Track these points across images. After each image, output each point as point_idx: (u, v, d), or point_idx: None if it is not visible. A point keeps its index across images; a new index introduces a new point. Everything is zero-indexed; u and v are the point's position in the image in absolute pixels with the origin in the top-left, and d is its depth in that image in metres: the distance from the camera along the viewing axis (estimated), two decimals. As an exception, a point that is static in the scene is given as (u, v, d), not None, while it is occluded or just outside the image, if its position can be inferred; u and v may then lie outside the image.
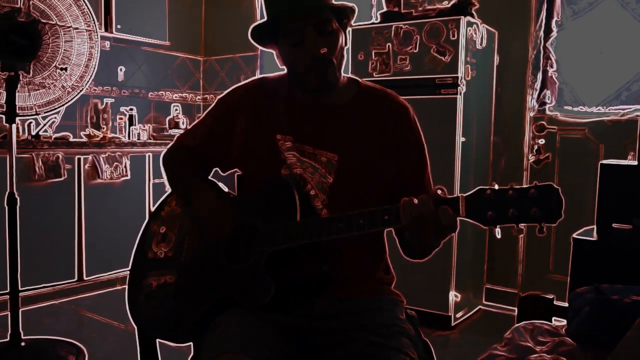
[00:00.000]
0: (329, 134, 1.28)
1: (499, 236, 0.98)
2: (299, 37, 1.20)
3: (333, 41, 1.21)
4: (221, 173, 1.42)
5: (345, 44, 1.26)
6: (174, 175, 1.42)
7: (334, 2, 1.23)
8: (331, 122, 1.29)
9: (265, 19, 1.25)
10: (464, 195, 0.96)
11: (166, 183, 1.44)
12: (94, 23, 2.56)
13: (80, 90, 2.58)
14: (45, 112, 2.54)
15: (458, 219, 0.98)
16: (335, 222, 1.09)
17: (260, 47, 1.33)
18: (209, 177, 1.44)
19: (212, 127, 1.38)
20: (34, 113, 2.52)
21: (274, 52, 1.30)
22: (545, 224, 0.91)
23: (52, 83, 2.51)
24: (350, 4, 1.25)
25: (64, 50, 2.52)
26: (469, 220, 0.96)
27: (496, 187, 0.94)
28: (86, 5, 2.54)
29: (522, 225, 0.93)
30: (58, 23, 2.46)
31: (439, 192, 1.00)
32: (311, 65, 1.20)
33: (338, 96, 1.29)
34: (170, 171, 1.42)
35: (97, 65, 2.61)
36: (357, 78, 1.36)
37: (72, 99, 2.58)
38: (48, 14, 2.43)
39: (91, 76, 2.59)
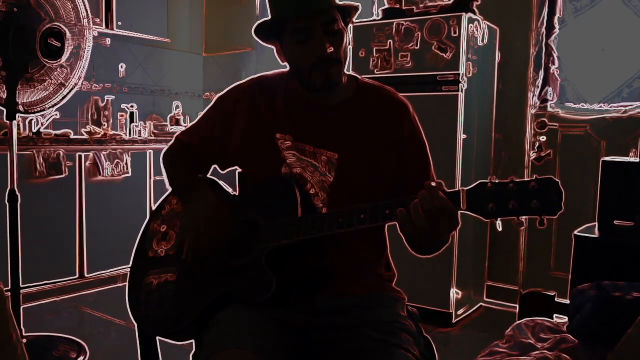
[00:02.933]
0: (329, 133, 1.28)
1: (499, 228, 0.98)
2: (306, 36, 1.20)
3: (338, 40, 1.22)
4: (220, 171, 1.42)
5: (349, 43, 1.27)
6: (173, 175, 1.41)
7: (339, 1, 1.23)
8: (331, 121, 1.29)
9: (270, 16, 1.25)
10: (465, 188, 0.96)
11: (166, 182, 1.43)
12: (87, 18, 2.54)
13: (72, 88, 2.56)
14: (37, 111, 2.53)
15: (459, 212, 0.98)
16: (336, 217, 1.09)
17: (261, 42, 1.33)
18: (208, 176, 1.44)
19: (211, 126, 1.38)
20: (32, 111, 2.51)
21: (274, 48, 1.30)
22: (546, 216, 0.91)
23: (49, 81, 2.50)
24: (355, 3, 1.25)
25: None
26: (469, 213, 0.96)
27: (496, 180, 0.94)
28: (83, 2, 2.53)
29: (522, 218, 0.93)
30: (55, 20, 2.45)
31: (433, 184, 0.98)
32: (317, 64, 1.21)
33: (337, 94, 1.29)
34: (169, 171, 1.42)
35: (87, 62, 2.59)
36: (355, 75, 1.36)
37: (65, 96, 2.56)
38: (48, 10, 2.42)
39: (80, 72, 2.57)
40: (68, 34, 2.44)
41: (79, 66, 2.56)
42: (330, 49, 1.19)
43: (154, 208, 1.44)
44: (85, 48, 2.56)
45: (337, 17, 1.21)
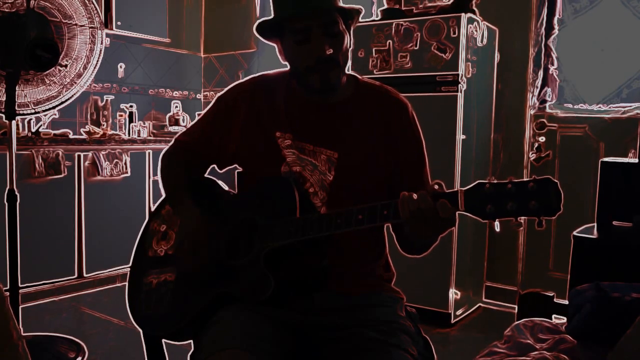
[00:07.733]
0: (329, 132, 1.28)
1: (498, 230, 0.98)
2: (305, 36, 1.20)
3: (338, 42, 1.22)
4: (218, 170, 1.42)
5: (350, 46, 1.26)
6: (167, 181, 1.41)
7: (341, 3, 1.23)
8: (331, 120, 1.29)
9: (273, 15, 1.25)
10: (463, 189, 0.96)
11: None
12: (98, 19, 2.54)
13: (79, 88, 2.56)
14: (42, 109, 2.53)
15: (457, 213, 0.98)
16: (335, 218, 1.09)
17: (263, 40, 1.33)
18: (207, 176, 1.44)
19: (212, 125, 1.38)
20: (33, 111, 2.50)
21: (275, 47, 1.30)
22: (544, 218, 0.91)
23: (52, 80, 2.50)
24: (357, 6, 1.25)
25: (66, 47, 2.50)
26: (467, 214, 0.96)
27: (495, 180, 0.95)
28: (93, 3, 2.52)
29: (521, 218, 0.93)
30: (63, 21, 2.45)
31: (436, 187, 0.99)
32: (315, 65, 1.21)
33: (337, 93, 1.29)
34: (164, 176, 1.42)
35: (99, 63, 2.58)
36: (355, 74, 1.36)
37: (72, 97, 2.56)
38: (51, 10, 2.42)
39: (92, 73, 2.57)
40: (73, 40, 2.44)
41: (89, 69, 2.56)
42: (330, 51, 1.19)
43: (154, 208, 1.44)
44: (95, 51, 2.55)
45: (338, 19, 1.21)
